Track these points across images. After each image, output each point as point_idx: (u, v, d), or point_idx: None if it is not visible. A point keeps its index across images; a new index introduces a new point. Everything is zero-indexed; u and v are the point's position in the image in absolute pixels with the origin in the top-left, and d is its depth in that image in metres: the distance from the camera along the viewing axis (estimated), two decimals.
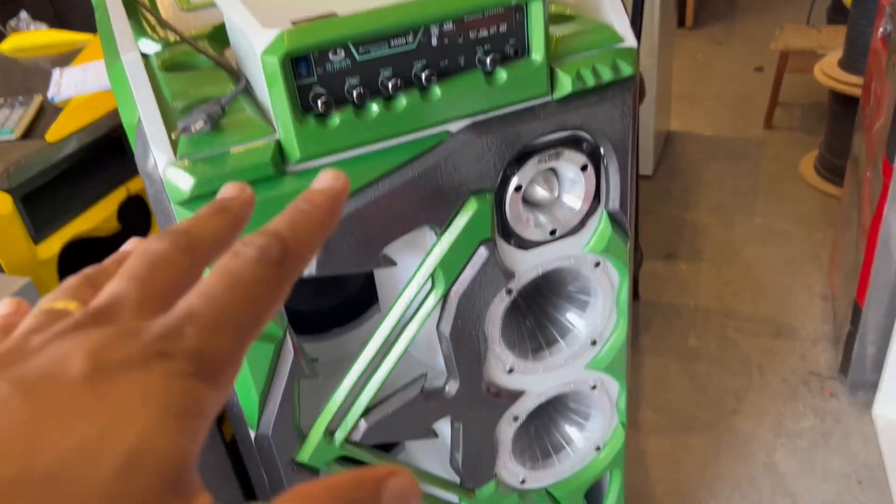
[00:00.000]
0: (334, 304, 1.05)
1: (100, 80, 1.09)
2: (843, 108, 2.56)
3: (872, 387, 1.84)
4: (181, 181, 0.68)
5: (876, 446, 1.74)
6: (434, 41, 0.73)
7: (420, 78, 0.73)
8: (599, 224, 0.93)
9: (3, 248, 0.94)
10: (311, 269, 0.77)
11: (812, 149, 2.94)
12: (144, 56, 0.80)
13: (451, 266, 0.85)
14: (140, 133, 0.70)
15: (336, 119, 0.71)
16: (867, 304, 1.73)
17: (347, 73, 0.71)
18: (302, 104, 0.70)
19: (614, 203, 0.92)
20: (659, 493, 1.68)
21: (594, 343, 1.02)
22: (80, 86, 1.08)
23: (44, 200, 1.00)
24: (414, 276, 0.85)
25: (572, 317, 1.02)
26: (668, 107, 3.21)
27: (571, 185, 0.89)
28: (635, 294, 2.29)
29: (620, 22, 0.84)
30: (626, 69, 0.83)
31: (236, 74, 0.80)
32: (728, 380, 1.97)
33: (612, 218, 0.93)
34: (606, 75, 0.82)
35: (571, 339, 1.02)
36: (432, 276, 0.85)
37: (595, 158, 0.88)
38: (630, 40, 0.84)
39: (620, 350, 1.04)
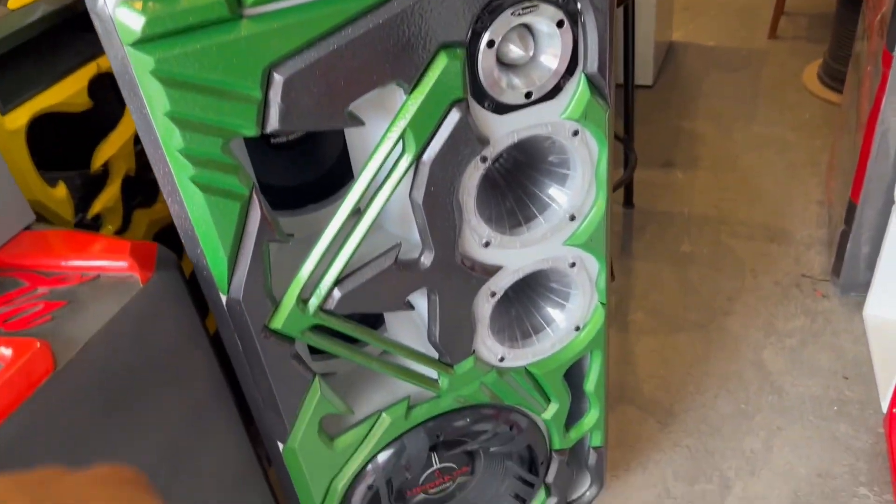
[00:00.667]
0: (310, 179, 1.04)
1: None
2: (849, 10, 2.48)
3: (864, 287, 1.83)
4: (131, 20, 0.66)
5: (865, 344, 1.74)
6: None
7: None
8: (577, 88, 0.90)
9: None
10: (273, 123, 0.75)
11: (816, 58, 2.86)
12: None
13: (421, 127, 0.83)
14: None
15: None
16: (862, 200, 1.71)
17: None
18: None
19: (592, 65, 0.89)
20: (646, 388, 1.70)
21: (573, 218, 1.00)
22: None
23: (10, 72, 0.98)
24: (384, 137, 0.83)
25: (552, 191, 1.01)
26: (670, 17, 3.12)
27: (548, 42, 0.86)
28: (629, 201, 2.27)
29: None
30: None
31: None
32: (720, 282, 1.97)
33: (591, 82, 0.90)
34: None
35: (550, 214, 1.00)
36: (402, 137, 0.83)
37: (572, 15, 0.84)
38: None
39: (599, 225, 1.02)
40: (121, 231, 1.16)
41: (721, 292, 1.94)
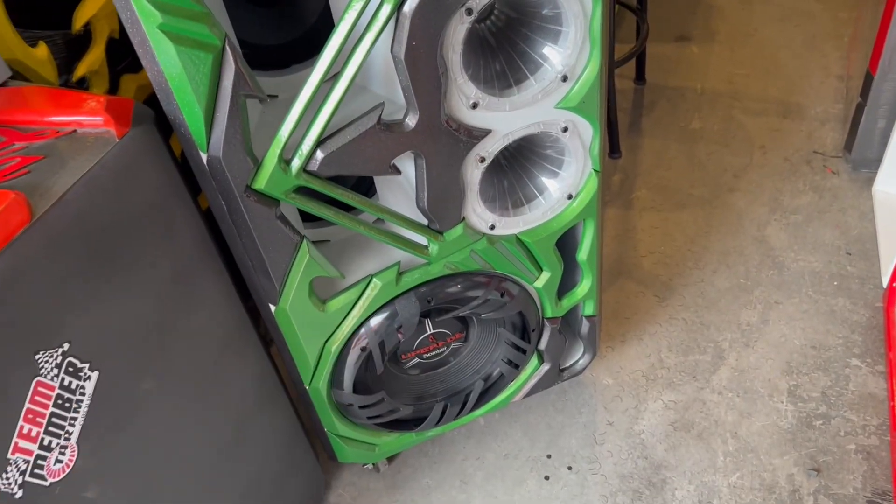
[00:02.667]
0: (293, 37, 1.01)
1: None
2: None
3: (875, 163, 1.79)
4: None
5: (871, 221, 1.72)
6: None
7: None
8: None
9: None
10: None
11: None
12: None
13: None
14: None
15: None
16: (880, 72, 1.64)
17: None
18: None
19: None
20: (646, 263, 1.70)
21: (565, 79, 0.97)
22: None
23: None
24: None
25: (544, 50, 0.97)
26: None
27: None
28: (641, 76, 2.20)
29: None
30: None
31: None
32: (728, 159, 1.93)
33: None
34: None
35: (542, 74, 0.97)
36: None
37: None
38: None
39: (593, 86, 0.99)
40: (105, 90, 1.14)
41: (728, 169, 1.91)
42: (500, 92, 0.97)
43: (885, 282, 1.55)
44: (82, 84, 1.10)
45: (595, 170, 1.11)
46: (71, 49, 1.08)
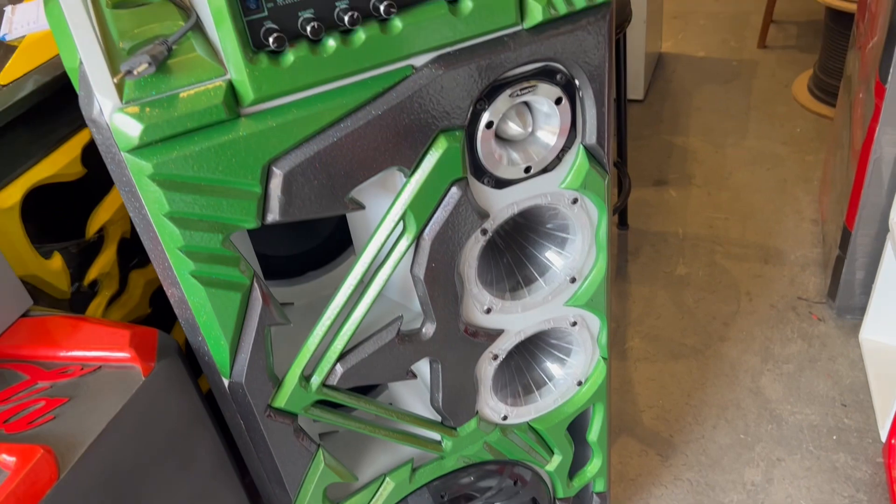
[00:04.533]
0: (308, 247, 1.03)
1: None
2: (838, 25, 2.49)
3: (860, 311, 1.84)
4: (129, 127, 0.65)
5: (862, 369, 1.75)
6: None
7: (378, 9, 0.69)
8: (576, 159, 0.90)
9: None
10: (273, 215, 0.75)
11: (806, 68, 2.87)
12: None
13: (422, 208, 0.82)
14: (83, 77, 0.66)
15: (290, 56, 0.67)
16: (856, 227, 1.72)
17: (300, 5, 0.67)
18: (253, 42, 0.66)
19: (591, 137, 0.89)
20: (646, 419, 1.70)
21: (573, 280, 1.00)
22: (33, 23, 1.03)
23: (2, 146, 0.97)
24: (384, 219, 0.83)
25: (550, 255, 1.00)
26: (660, 28, 3.12)
27: (546, 119, 0.86)
28: (623, 222, 2.27)
29: None
30: None
31: (187, 10, 0.75)
32: (716, 306, 1.98)
33: (589, 152, 0.90)
34: (580, 2, 0.77)
35: (550, 277, 1.00)
36: (403, 218, 0.83)
37: (570, 90, 0.84)
38: None
39: (600, 286, 1.02)
40: (117, 294, 1.15)
41: (717, 316, 1.95)
42: (511, 293, 0.99)
43: (883, 436, 1.56)
44: (93, 286, 1.11)
45: (603, 357, 1.13)
46: (83, 255, 1.09)
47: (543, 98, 0.83)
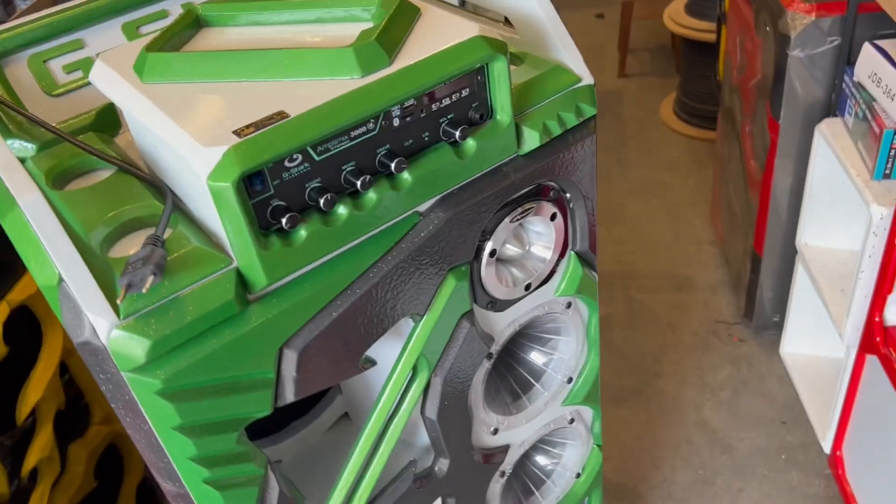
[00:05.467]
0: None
1: None
2: (696, 53, 2.65)
3: (776, 326, 1.94)
4: (132, 347, 0.55)
5: (790, 384, 1.84)
6: (396, 122, 0.63)
7: (387, 165, 0.63)
8: (569, 267, 0.87)
9: None
10: (287, 397, 0.67)
11: (667, 92, 3.04)
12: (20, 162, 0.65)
13: (433, 350, 0.77)
14: (65, 296, 0.56)
15: (302, 233, 0.60)
16: (765, 252, 1.81)
17: (307, 177, 0.60)
18: (261, 223, 0.59)
19: (583, 244, 0.87)
20: (608, 472, 1.70)
21: (570, 381, 0.97)
22: None
23: None
24: (395, 369, 0.76)
25: (545, 359, 0.97)
26: None
27: (539, 235, 0.83)
28: None
29: (573, 58, 0.77)
30: (589, 110, 0.77)
31: (156, 185, 0.66)
32: (643, 342, 2.02)
33: (581, 258, 0.88)
34: (571, 121, 0.75)
35: (547, 380, 0.97)
36: (415, 364, 0.77)
37: (561, 204, 0.81)
38: (587, 77, 0.77)
39: (595, 381, 1.00)
40: (59, 476, 1.00)
41: (647, 353, 1.99)
42: (514, 407, 0.95)
43: (827, 448, 1.65)
44: (33, 475, 0.96)
45: (598, 444, 1.11)
46: (19, 447, 0.94)
47: (539, 217, 0.80)
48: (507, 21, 0.89)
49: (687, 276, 2.21)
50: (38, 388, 0.96)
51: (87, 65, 0.80)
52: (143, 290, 0.53)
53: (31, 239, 0.56)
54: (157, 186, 0.66)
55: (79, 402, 1.05)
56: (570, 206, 0.82)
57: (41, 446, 0.96)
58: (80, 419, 1.06)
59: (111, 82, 0.67)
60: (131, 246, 0.62)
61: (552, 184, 0.79)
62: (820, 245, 1.69)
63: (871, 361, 1.40)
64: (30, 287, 0.95)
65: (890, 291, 1.34)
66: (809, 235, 1.68)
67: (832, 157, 1.49)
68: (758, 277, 1.87)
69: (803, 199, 1.64)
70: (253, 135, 0.56)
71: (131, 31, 0.82)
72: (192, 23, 0.72)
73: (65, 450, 1.02)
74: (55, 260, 0.54)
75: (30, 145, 0.73)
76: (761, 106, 1.69)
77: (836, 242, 1.68)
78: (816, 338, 1.83)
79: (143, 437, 0.63)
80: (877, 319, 1.36)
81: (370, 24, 0.67)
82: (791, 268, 1.78)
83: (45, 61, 0.78)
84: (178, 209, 0.64)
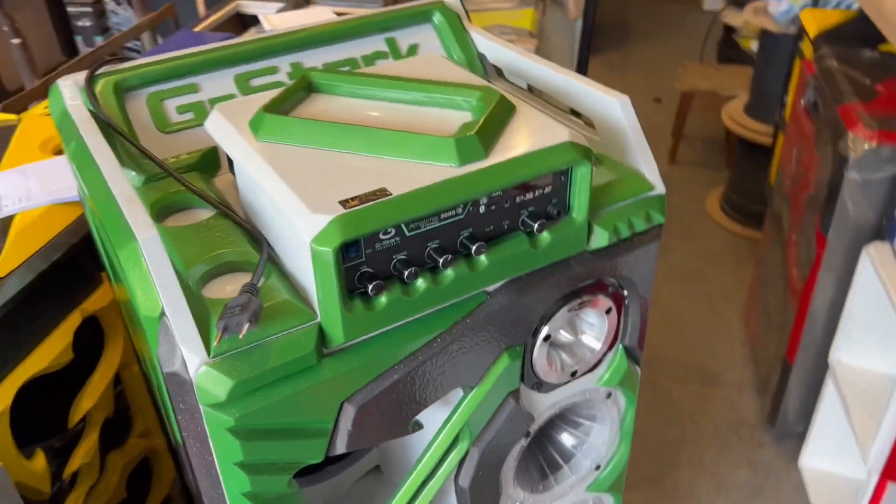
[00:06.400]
0: None
1: (48, 191, 0.96)
2: (750, 152, 2.69)
3: (797, 437, 1.93)
4: (217, 384, 0.60)
5: (805, 496, 1.83)
6: (482, 209, 0.68)
7: (467, 247, 0.68)
8: (615, 359, 0.91)
9: None
10: (339, 448, 0.70)
11: (715, 185, 3.08)
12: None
13: (478, 422, 0.81)
14: (164, 328, 0.61)
15: (384, 300, 0.65)
16: (796, 362, 1.82)
17: (395, 249, 0.65)
18: (347, 285, 0.64)
19: (632, 339, 0.90)
20: None
21: (598, 468, 1.00)
22: (25, 200, 0.94)
23: None
24: (439, 434, 0.80)
25: (576, 441, 1.00)
26: None
27: (591, 326, 0.87)
28: None
29: (650, 167, 0.82)
30: (658, 218, 0.81)
31: (252, 232, 0.71)
32: (665, 431, 2.02)
33: (628, 352, 0.91)
34: (640, 226, 0.80)
35: (576, 464, 1.00)
36: (459, 433, 0.80)
37: (618, 300, 0.85)
38: (659, 187, 0.82)
39: (622, 471, 1.02)
40: (96, 482, 1.04)
41: (667, 442, 1.99)
42: (540, 483, 0.98)
43: None
44: (73, 480, 1.00)
45: None
46: (66, 448, 0.99)
47: (595, 310, 0.83)
48: (572, 112, 0.95)
49: (714, 371, 2.21)
50: (92, 395, 1.01)
51: (198, 108, 0.86)
52: (240, 337, 0.58)
53: (142, 271, 0.61)
54: (253, 235, 0.71)
55: (125, 414, 1.09)
56: (626, 302, 0.86)
57: (86, 451, 1.01)
58: (122, 430, 1.10)
59: (227, 134, 0.73)
60: (224, 286, 0.67)
61: (612, 280, 0.83)
62: (853, 364, 1.70)
63: (893, 489, 1.40)
64: (102, 299, 1.00)
65: None
66: (843, 352, 1.69)
67: (876, 280, 1.51)
68: (786, 385, 1.88)
69: (842, 316, 1.65)
70: (357, 208, 0.61)
71: (242, 82, 0.89)
72: (305, 87, 0.78)
73: (104, 457, 1.07)
74: (161, 295, 0.59)
75: (138, 175, 0.79)
76: (810, 218, 1.72)
77: (870, 363, 1.69)
78: (838, 455, 1.82)
79: (204, 467, 0.67)
80: None
81: (469, 114, 0.73)
82: (820, 381, 1.79)
83: (161, 100, 0.85)
84: (273, 262, 0.69)
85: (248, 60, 0.90)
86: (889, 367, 1.66)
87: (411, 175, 0.65)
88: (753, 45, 2.98)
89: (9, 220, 0.93)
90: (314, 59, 0.93)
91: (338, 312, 0.63)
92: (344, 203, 0.61)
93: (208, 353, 0.60)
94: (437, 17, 0.99)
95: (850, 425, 1.58)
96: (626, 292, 0.85)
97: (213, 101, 0.87)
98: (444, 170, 0.65)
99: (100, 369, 1.03)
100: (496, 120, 0.71)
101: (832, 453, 1.84)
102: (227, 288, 0.66)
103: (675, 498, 1.84)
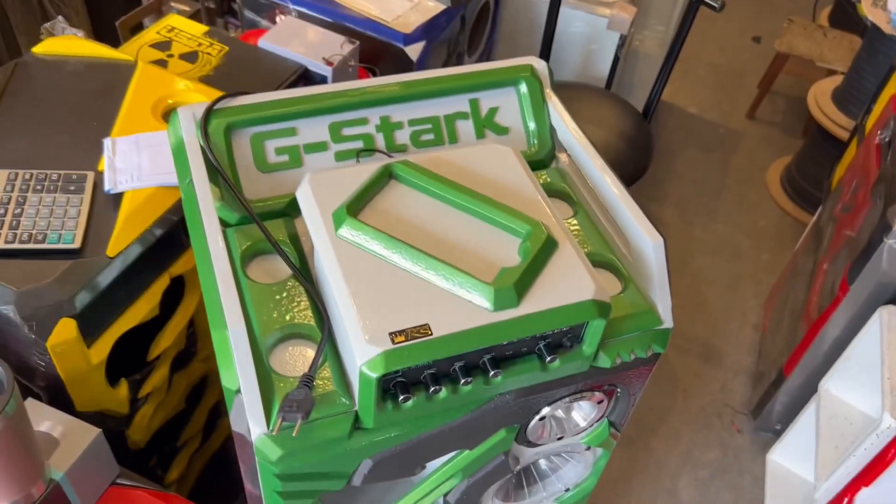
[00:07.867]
0: None
1: (156, 172, 1.11)
2: (825, 140, 2.66)
3: (775, 433, 2.12)
4: (271, 451, 0.78)
5: (762, 488, 2.04)
6: (505, 342, 0.82)
7: (487, 369, 0.83)
8: (599, 428, 1.07)
9: (64, 366, 1.01)
10: (354, 484, 0.90)
11: (784, 154, 3.06)
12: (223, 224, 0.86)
13: (471, 470, 0.99)
14: (238, 401, 0.79)
15: (410, 404, 0.81)
16: (791, 376, 1.97)
17: (427, 367, 0.80)
18: (383, 388, 0.80)
19: (618, 417, 1.06)
20: None
21: (567, 490, 1.19)
22: (136, 180, 1.09)
23: (95, 306, 1.05)
24: (435, 474, 0.98)
25: (552, 466, 1.19)
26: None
27: (582, 408, 1.02)
28: None
29: (664, 304, 0.94)
30: (659, 349, 0.94)
31: (321, 313, 0.86)
32: (655, 399, 2.22)
33: (612, 424, 1.07)
34: (641, 354, 0.93)
35: (548, 483, 1.19)
36: (452, 475, 0.99)
37: (611, 394, 1.00)
38: (667, 322, 0.94)
39: (586, 496, 1.22)
40: (163, 399, 1.27)
41: (653, 409, 2.20)
42: (514, 496, 1.18)
43: None
44: (145, 398, 1.23)
45: None
46: (143, 377, 1.20)
47: (589, 402, 0.99)
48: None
49: (719, 351, 2.37)
50: (169, 337, 1.21)
51: (293, 151, 0.98)
52: (294, 434, 0.75)
53: (228, 354, 0.78)
54: (320, 314, 0.86)
55: (192, 345, 1.30)
56: (617, 397, 1.01)
57: (158, 379, 1.23)
58: (189, 356, 1.32)
59: (311, 213, 0.86)
60: (291, 356, 0.83)
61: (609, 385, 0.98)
62: (839, 396, 1.84)
63: None
64: (188, 262, 1.18)
65: (867, 485, 1.51)
66: (833, 385, 1.83)
67: (878, 342, 1.61)
68: (776, 391, 2.04)
69: (842, 356, 1.77)
70: (402, 345, 0.75)
71: (335, 131, 1.00)
72: (386, 175, 0.90)
73: (170, 378, 1.29)
74: (240, 377, 0.76)
75: (233, 214, 0.93)
76: (843, 259, 1.79)
77: (854, 401, 1.82)
78: (803, 462, 2.01)
79: (251, 473, 0.87)
80: (846, 501, 1.54)
81: (517, 244, 0.85)
82: (807, 399, 1.94)
83: (263, 140, 0.97)
84: (333, 346, 0.85)
85: (343, 110, 1.00)
86: (869, 408, 1.80)
87: (453, 312, 0.78)
88: (871, 16, 2.84)
89: (119, 196, 1.09)
90: (401, 113, 1.03)
91: (371, 408, 0.79)
92: (393, 338, 0.76)
93: (268, 427, 0.78)
94: (523, 86, 1.07)
95: (815, 450, 1.75)
96: (619, 390, 1.00)
97: (308, 147, 0.99)
98: (480, 313, 0.79)
99: (177, 315, 1.22)
100: (535, 265, 0.82)
101: (799, 458, 2.03)
102: (292, 361, 0.83)
103: (644, 462, 2.07)
